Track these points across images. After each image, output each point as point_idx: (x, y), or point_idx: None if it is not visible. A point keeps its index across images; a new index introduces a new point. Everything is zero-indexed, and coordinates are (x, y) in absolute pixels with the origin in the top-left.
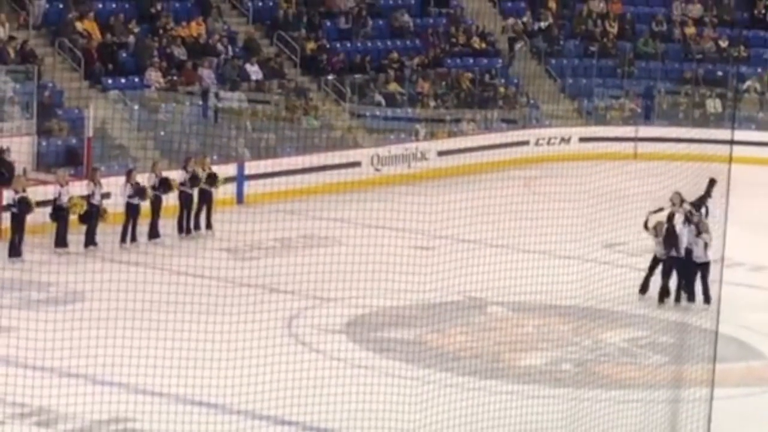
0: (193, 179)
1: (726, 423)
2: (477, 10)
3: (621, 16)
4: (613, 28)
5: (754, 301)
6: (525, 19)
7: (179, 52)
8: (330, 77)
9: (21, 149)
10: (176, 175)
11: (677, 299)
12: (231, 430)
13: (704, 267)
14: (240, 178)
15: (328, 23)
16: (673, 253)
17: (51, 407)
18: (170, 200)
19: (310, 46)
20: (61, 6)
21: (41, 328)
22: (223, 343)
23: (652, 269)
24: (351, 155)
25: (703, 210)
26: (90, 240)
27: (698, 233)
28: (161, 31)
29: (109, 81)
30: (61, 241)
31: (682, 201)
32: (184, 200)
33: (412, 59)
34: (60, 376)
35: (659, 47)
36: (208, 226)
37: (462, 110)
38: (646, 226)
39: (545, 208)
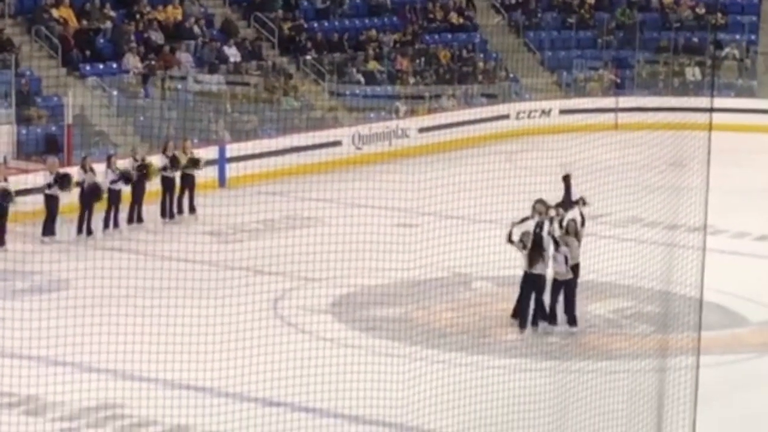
0: (174, 163)
1: (713, 390)
2: None
3: None
4: None
5: (737, 268)
6: None
7: (156, 37)
8: (308, 57)
9: (0, 139)
10: (157, 160)
11: (533, 322)
12: (220, 413)
13: (567, 285)
14: (221, 161)
15: (305, 3)
16: (537, 268)
17: (39, 396)
18: (153, 185)
19: (288, 26)
20: None
21: (27, 317)
22: (209, 327)
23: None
24: (332, 135)
25: (578, 217)
26: (81, 228)
27: (557, 247)
28: (138, 16)
29: (87, 67)
30: (48, 229)
31: (548, 208)
32: (166, 184)
33: (390, 36)
34: (47, 365)
35: (637, 17)
36: (191, 209)
37: (442, 86)
38: (510, 239)
39: (528, 182)
